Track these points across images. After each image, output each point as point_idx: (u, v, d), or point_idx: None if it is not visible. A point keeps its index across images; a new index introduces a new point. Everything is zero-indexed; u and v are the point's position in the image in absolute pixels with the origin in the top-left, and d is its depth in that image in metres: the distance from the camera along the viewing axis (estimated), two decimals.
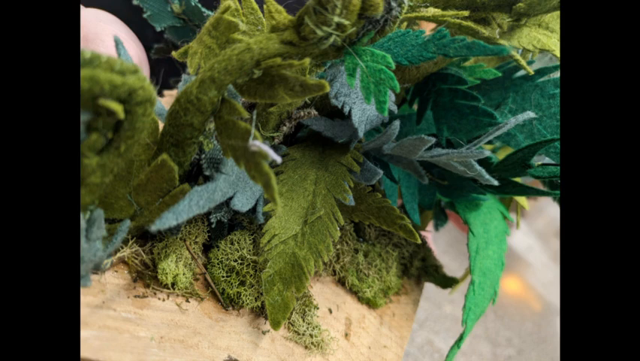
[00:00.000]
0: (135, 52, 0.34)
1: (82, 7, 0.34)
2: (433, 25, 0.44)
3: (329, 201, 0.29)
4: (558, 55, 0.30)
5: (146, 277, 0.26)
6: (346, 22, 0.19)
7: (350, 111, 0.29)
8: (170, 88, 0.43)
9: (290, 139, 0.34)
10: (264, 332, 0.29)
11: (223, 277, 0.29)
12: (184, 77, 0.29)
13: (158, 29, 0.39)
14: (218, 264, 0.29)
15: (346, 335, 0.33)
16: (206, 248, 0.30)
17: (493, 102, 0.35)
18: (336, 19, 0.19)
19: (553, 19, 0.32)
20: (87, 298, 0.22)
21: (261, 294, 0.29)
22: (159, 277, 0.26)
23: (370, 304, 0.37)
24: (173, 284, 0.26)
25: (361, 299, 0.37)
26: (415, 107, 0.36)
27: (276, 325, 0.27)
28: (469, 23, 0.27)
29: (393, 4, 0.20)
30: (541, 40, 0.31)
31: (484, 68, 0.33)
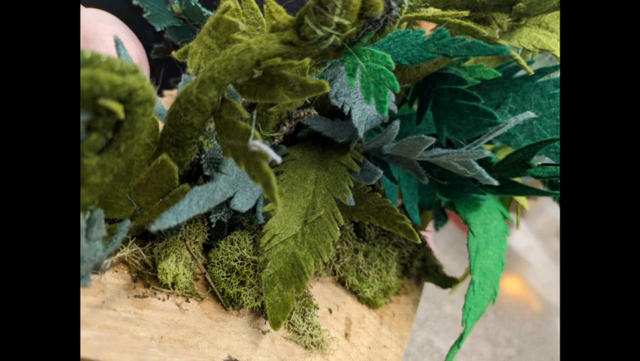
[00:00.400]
0: (135, 52, 0.34)
1: (82, 7, 0.34)
2: (433, 25, 0.44)
3: (329, 201, 0.29)
4: (558, 55, 0.30)
5: (146, 277, 0.26)
6: (346, 22, 0.19)
7: (350, 111, 0.29)
8: (170, 88, 0.43)
9: (290, 139, 0.34)
10: (264, 332, 0.29)
11: (223, 277, 0.29)
12: (184, 77, 0.29)
13: (158, 29, 0.40)
14: (218, 264, 0.29)
15: (346, 335, 0.33)
16: (206, 248, 0.30)
17: (493, 102, 0.35)
18: (336, 19, 0.19)
19: (553, 19, 0.32)
20: (87, 298, 0.22)
21: (261, 294, 0.29)
22: (159, 277, 0.26)
23: (370, 304, 0.37)
24: (173, 284, 0.26)
25: (361, 299, 0.37)
26: (415, 107, 0.36)
27: (276, 325, 0.27)
28: (469, 23, 0.27)
29: (393, 4, 0.20)
30: (541, 40, 0.31)
31: (484, 68, 0.33)
